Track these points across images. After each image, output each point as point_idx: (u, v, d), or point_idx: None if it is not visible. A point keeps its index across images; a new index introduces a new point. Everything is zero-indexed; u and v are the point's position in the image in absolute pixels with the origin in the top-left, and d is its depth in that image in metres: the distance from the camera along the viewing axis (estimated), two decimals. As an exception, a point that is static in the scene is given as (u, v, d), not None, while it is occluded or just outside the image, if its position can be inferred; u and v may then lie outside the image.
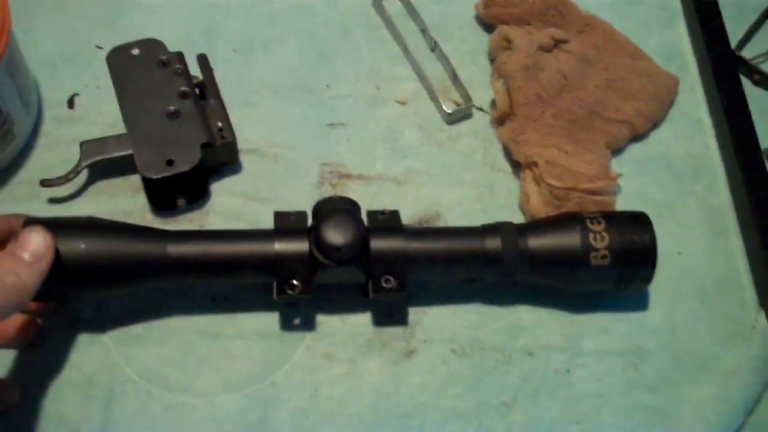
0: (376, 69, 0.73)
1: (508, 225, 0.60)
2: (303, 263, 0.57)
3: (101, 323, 0.60)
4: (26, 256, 0.51)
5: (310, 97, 0.71)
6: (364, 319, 0.62)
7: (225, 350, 0.60)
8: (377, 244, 0.57)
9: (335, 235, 0.56)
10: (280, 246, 0.57)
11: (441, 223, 0.66)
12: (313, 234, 0.57)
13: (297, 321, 0.61)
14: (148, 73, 0.65)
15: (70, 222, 0.56)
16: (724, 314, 0.64)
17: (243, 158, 0.67)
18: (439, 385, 0.60)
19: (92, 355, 0.59)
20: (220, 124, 0.64)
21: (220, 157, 0.65)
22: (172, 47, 0.71)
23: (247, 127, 0.69)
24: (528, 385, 0.60)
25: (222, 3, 0.75)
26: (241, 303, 0.61)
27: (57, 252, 0.53)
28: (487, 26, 0.75)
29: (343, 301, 0.62)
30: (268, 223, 0.59)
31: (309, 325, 0.61)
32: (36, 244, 0.51)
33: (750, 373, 0.61)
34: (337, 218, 0.57)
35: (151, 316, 0.60)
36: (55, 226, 0.55)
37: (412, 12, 0.75)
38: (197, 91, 0.65)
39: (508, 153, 0.68)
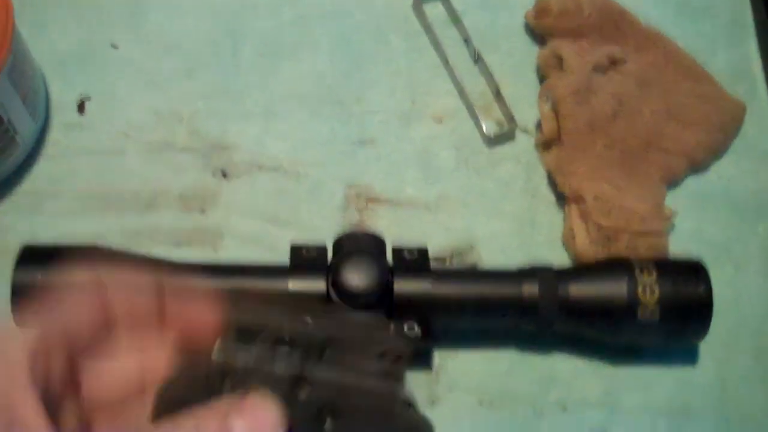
0: (412, 81, 0.67)
1: (547, 270, 0.54)
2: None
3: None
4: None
5: (339, 110, 0.65)
6: (385, 360, 0.57)
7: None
8: (401, 287, 0.52)
9: (355, 280, 0.51)
10: (294, 285, 0.52)
11: (474, 257, 0.60)
12: (332, 275, 0.52)
13: (312, 360, 0.57)
14: None
15: (67, 250, 0.52)
16: (782, 374, 0.58)
17: (263, 176, 0.62)
18: (463, 439, 0.55)
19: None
20: None
21: None
22: (195, 48, 0.66)
23: (270, 141, 0.64)
24: (560, 444, 0.55)
25: (249, 2, 0.69)
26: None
27: (53, 284, 0.49)
28: (538, 37, 0.68)
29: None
30: (286, 250, 0.54)
31: (325, 364, 0.57)
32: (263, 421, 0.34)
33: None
34: (358, 260, 0.52)
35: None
36: (50, 254, 0.51)
37: (456, 18, 0.68)
38: None
39: (552, 181, 0.62)
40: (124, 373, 0.39)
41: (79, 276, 0.40)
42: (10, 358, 0.34)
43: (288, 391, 0.33)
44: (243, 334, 0.34)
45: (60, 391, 0.36)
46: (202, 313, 0.37)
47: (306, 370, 0.34)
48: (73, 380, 0.38)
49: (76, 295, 0.37)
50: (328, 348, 0.34)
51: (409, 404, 0.35)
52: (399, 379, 0.35)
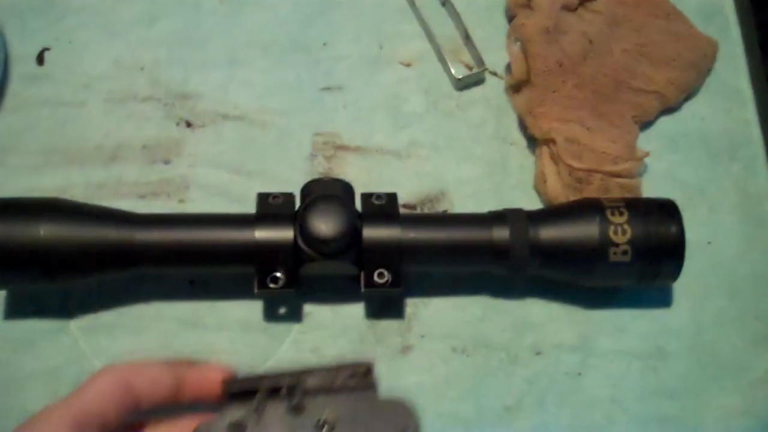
0: (379, 25, 0.65)
1: (518, 213, 0.53)
2: (287, 254, 0.51)
3: (68, 309, 0.55)
4: None
5: (304, 56, 0.64)
6: (356, 310, 0.56)
7: (204, 342, 0.55)
8: (370, 234, 0.51)
9: (322, 227, 0.50)
10: (261, 234, 0.51)
11: (446, 204, 0.59)
12: (299, 223, 0.51)
13: (283, 311, 0.56)
14: None
15: (28, 204, 0.50)
16: (756, 314, 0.58)
17: (229, 125, 0.61)
18: (436, 386, 0.55)
19: (58, 345, 0.54)
20: None
21: None
22: (154, -4, 0.65)
23: (234, 89, 0.62)
24: (535, 388, 0.55)
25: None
26: (223, 289, 0.56)
27: (14, 238, 0.48)
28: (506, -22, 0.67)
29: (334, 290, 0.56)
30: (254, 200, 0.53)
31: (296, 315, 0.56)
32: None
33: (782, 383, 0.55)
34: (325, 206, 0.51)
35: (123, 301, 0.55)
36: (11, 208, 0.50)
37: (423, -41, 0.67)
38: None
39: (523, 124, 0.61)
40: None
41: None
42: None
43: (291, 417, 0.42)
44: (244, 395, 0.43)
45: None
46: (212, 377, 0.44)
47: (300, 398, 0.42)
48: None
49: (101, 379, 0.41)
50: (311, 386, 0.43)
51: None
52: (371, 386, 0.43)
